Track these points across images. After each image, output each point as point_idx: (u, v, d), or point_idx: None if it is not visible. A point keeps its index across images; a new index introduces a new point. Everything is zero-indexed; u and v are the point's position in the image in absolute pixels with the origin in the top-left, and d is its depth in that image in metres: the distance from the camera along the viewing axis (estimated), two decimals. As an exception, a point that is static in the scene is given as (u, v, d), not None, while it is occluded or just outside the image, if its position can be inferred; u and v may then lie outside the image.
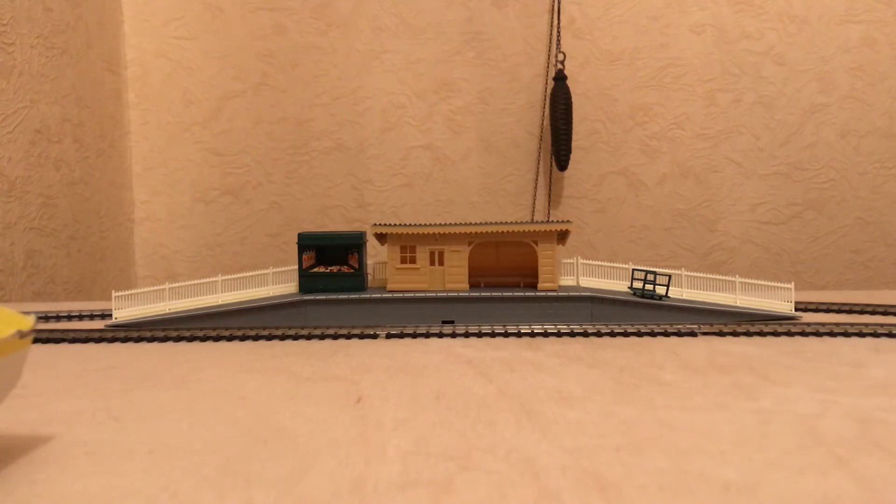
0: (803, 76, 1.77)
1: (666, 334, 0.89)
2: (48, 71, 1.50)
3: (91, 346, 0.88)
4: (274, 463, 0.46)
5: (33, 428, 0.54)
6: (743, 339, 0.87)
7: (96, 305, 1.20)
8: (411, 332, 0.91)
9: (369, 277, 1.07)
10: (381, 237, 1.03)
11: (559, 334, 0.89)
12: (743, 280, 1.00)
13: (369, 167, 1.82)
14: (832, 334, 0.87)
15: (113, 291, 0.99)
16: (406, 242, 1.02)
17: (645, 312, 0.97)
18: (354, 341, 0.89)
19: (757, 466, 0.44)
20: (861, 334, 0.87)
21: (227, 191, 1.83)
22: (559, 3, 1.76)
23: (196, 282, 1.02)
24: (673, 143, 1.80)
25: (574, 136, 1.75)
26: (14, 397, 0.61)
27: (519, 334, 0.89)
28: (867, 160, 1.78)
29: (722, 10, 1.77)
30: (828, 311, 1.07)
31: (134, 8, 1.80)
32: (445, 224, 1.03)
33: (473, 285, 1.03)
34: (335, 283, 1.01)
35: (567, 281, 1.06)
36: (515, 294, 0.99)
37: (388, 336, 0.90)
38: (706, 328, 0.91)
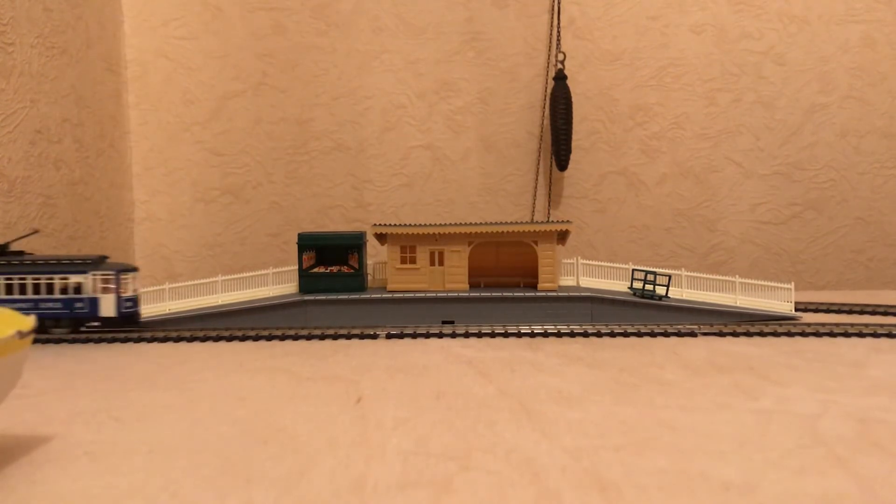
0: (803, 76, 1.77)
1: (666, 334, 0.89)
2: (48, 71, 1.50)
3: (91, 347, 0.88)
4: (274, 463, 0.46)
5: (33, 428, 0.54)
6: (743, 339, 0.87)
7: (96, 305, 1.20)
8: (411, 332, 0.91)
9: (369, 277, 1.07)
10: (381, 237, 1.03)
11: (559, 334, 0.89)
12: (743, 280, 1.00)
13: (369, 167, 1.82)
14: (832, 334, 0.87)
15: (113, 291, 0.99)
16: (406, 242, 1.02)
17: (645, 312, 0.97)
18: (354, 341, 0.89)
19: (757, 466, 0.44)
20: (861, 334, 0.87)
21: (227, 191, 1.83)
22: (559, 3, 1.76)
23: (196, 282, 1.02)
24: (673, 143, 1.80)
25: (574, 136, 1.75)
26: (14, 397, 0.61)
27: (519, 334, 0.89)
28: (867, 160, 1.78)
29: (722, 10, 1.77)
30: (828, 311, 1.07)
31: (134, 8, 1.81)
32: (445, 224, 1.03)
33: (473, 285, 1.03)
34: (335, 284, 1.01)
35: (567, 281, 1.06)
36: (515, 294, 0.99)
37: (388, 336, 0.90)
38: (706, 328, 0.91)
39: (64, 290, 0.94)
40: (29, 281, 0.94)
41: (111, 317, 0.94)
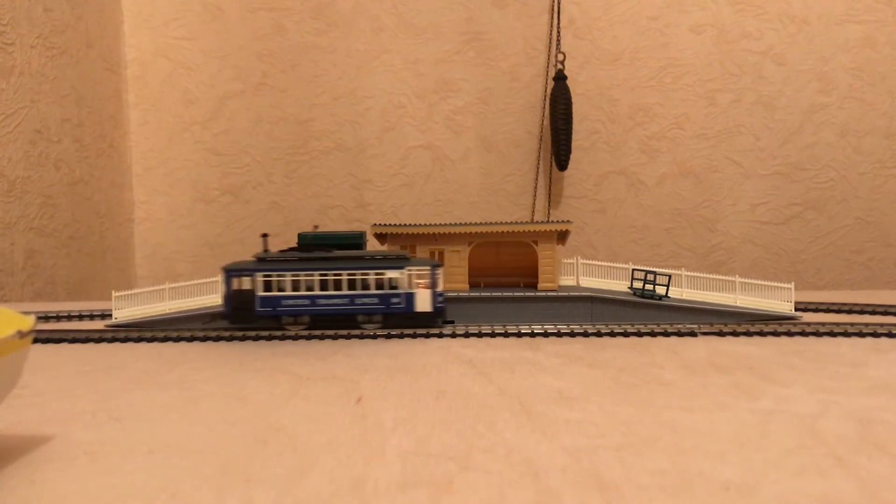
0: (803, 76, 1.77)
1: (666, 334, 0.89)
2: (48, 71, 1.50)
3: (91, 347, 0.88)
4: (274, 463, 0.46)
5: (33, 428, 0.54)
6: (743, 339, 0.87)
7: (96, 305, 1.20)
8: (411, 332, 0.91)
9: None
10: (381, 237, 1.03)
11: (559, 334, 0.89)
12: (743, 280, 1.00)
13: (369, 167, 1.82)
14: (832, 334, 0.87)
15: (113, 291, 0.99)
16: (406, 242, 1.02)
17: (645, 312, 0.97)
18: (354, 341, 0.89)
19: (757, 466, 0.44)
20: (861, 334, 0.87)
21: (227, 191, 1.83)
22: (559, 3, 1.76)
23: (196, 282, 1.02)
24: (673, 143, 1.80)
25: (574, 136, 1.75)
26: (14, 397, 0.61)
27: (519, 334, 0.89)
28: (867, 160, 1.78)
29: (722, 10, 1.77)
30: (828, 311, 1.07)
31: (134, 8, 1.81)
32: (445, 224, 1.03)
33: (473, 285, 1.03)
34: (335, 283, 1.01)
35: (567, 281, 1.06)
36: (515, 294, 0.99)
37: (389, 336, 0.90)
38: (706, 328, 0.91)
39: (379, 286, 0.93)
40: (344, 277, 0.93)
41: (426, 312, 0.93)
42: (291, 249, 0.98)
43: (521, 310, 0.98)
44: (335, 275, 0.93)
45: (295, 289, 0.93)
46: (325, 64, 1.80)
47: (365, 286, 0.93)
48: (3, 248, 1.36)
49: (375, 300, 0.93)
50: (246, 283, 0.93)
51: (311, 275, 0.92)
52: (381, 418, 0.55)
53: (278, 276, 0.92)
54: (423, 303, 0.93)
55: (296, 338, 0.90)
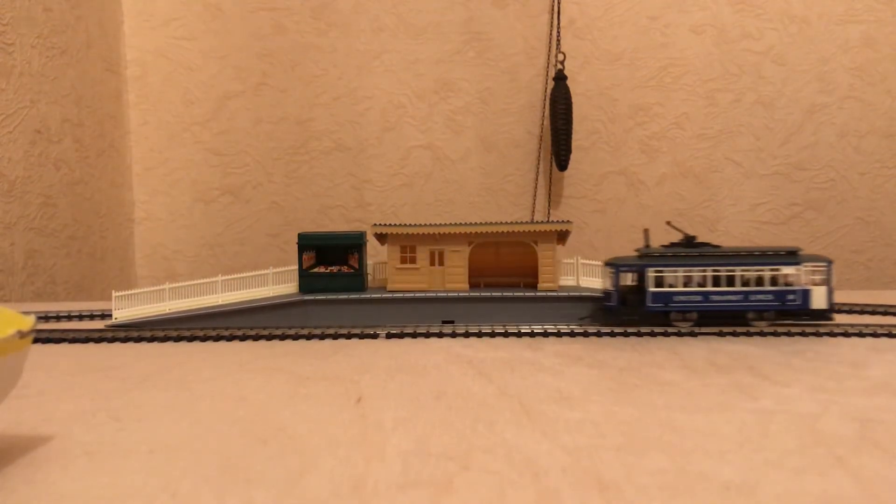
0: (803, 76, 1.77)
1: (666, 334, 0.89)
2: (48, 71, 1.50)
3: (91, 347, 0.88)
4: (274, 463, 0.46)
5: (33, 428, 0.54)
6: (743, 339, 0.87)
7: (96, 305, 1.20)
8: (411, 332, 0.91)
9: (369, 277, 1.07)
10: (381, 237, 1.03)
11: (559, 334, 0.89)
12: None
13: (369, 167, 1.82)
14: (832, 334, 0.87)
15: (113, 291, 0.99)
16: (406, 242, 1.02)
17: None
18: (354, 341, 0.89)
19: (757, 466, 0.44)
20: (861, 334, 0.87)
21: (227, 191, 1.83)
22: (559, 3, 1.76)
23: (196, 282, 1.02)
24: (673, 143, 1.80)
25: (574, 136, 1.75)
26: (14, 397, 0.61)
27: (519, 334, 0.89)
28: (867, 160, 1.78)
29: (722, 10, 1.77)
30: (828, 311, 1.07)
31: (134, 8, 1.81)
32: (445, 224, 1.02)
33: (473, 285, 1.03)
34: (335, 283, 1.01)
35: (567, 281, 1.06)
36: (515, 294, 0.99)
37: (388, 336, 0.90)
38: (706, 328, 0.91)
39: (773, 282, 0.91)
40: (738, 273, 0.91)
41: (821, 310, 0.91)
42: (673, 245, 0.96)
43: (521, 310, 0.98)
44: (728, 270, 0.91)
45: (685, 285, 0.91)
46: (325, 64, 1.80)
47: (758, 282, 0.91)
48: (3, 248, 1.36)
49: (770, 297, 0.91)
50: (635, 278, 0.92)
51: (704, 270, 0.91)
52: (381, 418, 0.55)
53: (671, 271, 0.91)
54: (819, 300, 0.90)
55: (296, 337, 0.90)
